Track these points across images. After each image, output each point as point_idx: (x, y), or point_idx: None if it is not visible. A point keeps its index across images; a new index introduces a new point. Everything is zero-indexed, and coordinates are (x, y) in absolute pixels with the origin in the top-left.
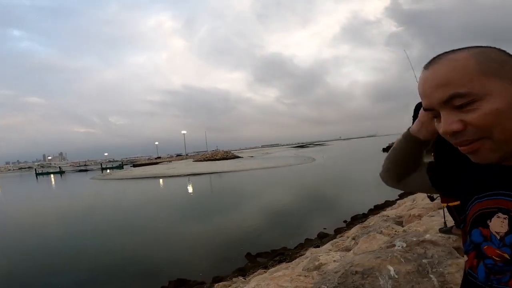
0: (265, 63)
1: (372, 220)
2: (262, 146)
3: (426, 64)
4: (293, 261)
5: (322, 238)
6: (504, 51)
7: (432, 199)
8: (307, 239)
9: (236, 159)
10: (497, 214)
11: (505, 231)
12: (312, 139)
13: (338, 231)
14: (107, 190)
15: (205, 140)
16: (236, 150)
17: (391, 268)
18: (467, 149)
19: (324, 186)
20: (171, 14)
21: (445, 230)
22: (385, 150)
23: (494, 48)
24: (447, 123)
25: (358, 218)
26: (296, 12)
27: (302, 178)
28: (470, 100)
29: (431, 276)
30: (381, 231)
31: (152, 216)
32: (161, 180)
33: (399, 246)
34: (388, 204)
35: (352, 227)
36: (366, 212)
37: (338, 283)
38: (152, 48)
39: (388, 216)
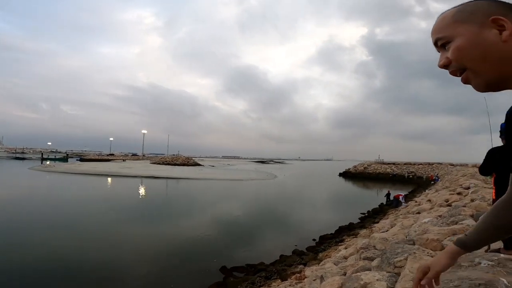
0: (238, 73)
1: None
2: (223, 157)
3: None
4: (288, 279)
5: (301, 256)
6: (489, 1)
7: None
8: (282, 255)
9: (198, 166)
10: None
11: None
12: (273, 156)
13: (311, 249)
14: (49, 183)
15: (167, 143)
16: (197, 157)
17: (504, 280)
18: (462, 79)
19: (287, 204)
20: (155, 10)
21: (493, 250)
22: (341, 175)
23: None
24: (439, 59)
25: (328, 238)
26: (278, 29)
27: (266, 194)
28: (446, 42)
29: None
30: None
31: (104, 219)
32: (114, 179)
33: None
34: (353, 226)
35: (325, 246)
36: (333, 232)
37: None
38: (125, 41)
39: (386, 239)
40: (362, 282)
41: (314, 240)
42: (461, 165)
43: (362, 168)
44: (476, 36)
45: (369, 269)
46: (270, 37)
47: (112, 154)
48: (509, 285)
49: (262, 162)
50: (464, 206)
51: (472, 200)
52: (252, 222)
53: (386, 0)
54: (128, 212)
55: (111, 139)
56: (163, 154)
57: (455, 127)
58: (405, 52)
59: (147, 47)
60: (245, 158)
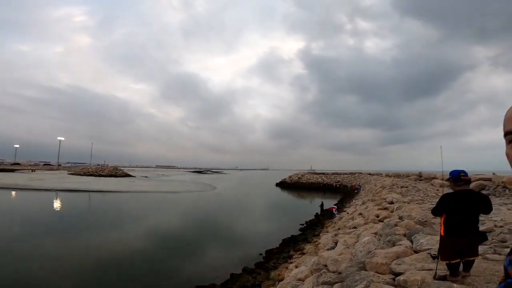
0: (177, 80)
1: (323, 260)
2: (157, 167)
3: None
4: None
5: (252, 274)
6: None
7: (434, 257)
8: (233, 274)
9: (128, 177)
10: None
11: None
12: (210, 166)
13: (261, 266)
14: None
15: (90, 152)
16: (126, 167)
17: None
18: None
19: (228, 216)
20: (87, 9)
21: (440, 277)
22: (278, 185)
23: None
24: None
25: (275, 253)
26: (223, 38)
27: (206, 206)
28: None
29: None
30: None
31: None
32: (21, 194)
33: None
34: (296, 239)
35: (273, 262)
36: (278, 246)
37: None
38: (47, 39)
39: (337, 260)
40: None
41: (261, 255)
42: (377, 174)
43: (297, 178)
44: None
45: None
46: (214, 45)
47: (18, 163)
48: None
49: (199, 172)
50: (396, 225)
51: (400, 218)
52: (195, 237)
53: (324, 15)
54: (40, 232)
55: (17, 145)
56: (86, 164)
57: (372, 139)
58: (335, 67)
59: (73, 46)
60: (181, 168)
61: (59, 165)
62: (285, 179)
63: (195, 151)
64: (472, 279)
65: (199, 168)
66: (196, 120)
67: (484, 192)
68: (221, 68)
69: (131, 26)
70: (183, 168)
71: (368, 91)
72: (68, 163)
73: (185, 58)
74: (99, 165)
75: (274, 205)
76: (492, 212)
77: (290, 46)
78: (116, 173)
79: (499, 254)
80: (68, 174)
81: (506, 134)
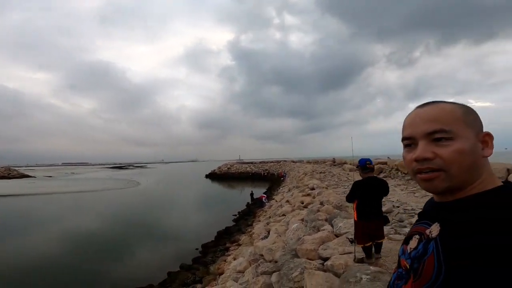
0: (89, 69)
1: (259, 250)
2: (63, 164)
3: (421, 105)
4: None
5: (191, 270)
6: (471, 109)
7: (351, 241)
8: (170, 272)
9: (27, 178)
10: (415, 236)
11: (413, 247)
12: (131, 160)
13: (199, 261)
14: None
15: None
16: (23, 167)
17: None
18: (426, 176)
19: (157, 213)
20: None
21: (359, 260)
22: (207, 176)
23: (464, 106)
24: (423, 150)
25: (211, 246)
26: (147, 25)
27: (131, 204)
28: (448, 137)
29: None
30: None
31: None
32: None
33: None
34: (230, 231)
35: (213, 255)
36: (213, 239)
37: None
38: None
39: (271, 249)
40: None
41: (197, 249)
42: (299, 161)
43: (226, 168)
44: (474, 144)
45: (271, 285)
46: (137, 33)
47: None
48: None
49: (119, 167)
50: (318, 211)
51: (321, 203)
52: (123, 238)
53: (254, 8)
54: None
55: None
56: None
57: (294, 128)
58: (262, 60)
59: None
60: (95, 165)
61: None
62: (214, 170)
63: (113, 145)
64: (383, 260)
65: (119, 164)
66: (113, 112)
67: (381, 175)
68: (144, 57)
69: (30, 10)
70: (99, 165)
71: (291, 83)
72: None
73: (99, 46)
74: None
75: (205, 198)
76: (389, 193)
77: (219, 37)
78: (8, 174)
79: (399, 234)
80: None
81: (403, 139)
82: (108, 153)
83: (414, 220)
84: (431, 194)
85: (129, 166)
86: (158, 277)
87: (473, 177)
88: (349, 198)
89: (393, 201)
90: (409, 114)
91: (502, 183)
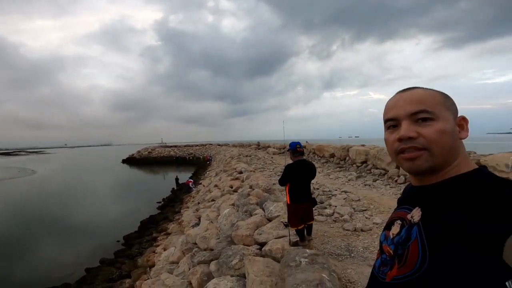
0: None
1: (191, 239)
2: None
3: (402, 90)
4: None
5: (115, 265)
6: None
7: (286, 225)
8: (89, 269)
9: None
10: (397, 221)
11: (396, 233)
12: (26, 145)
13: (123, 254)
14: None
15: None
16: None
17: (324, 276)
18: (409, 155)
19: (62, 205)
20: None
21: (294, 243)
22: (124, 161)
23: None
24: (407, 130)
25: (135, 237)
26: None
27: (24, 196)
28: (430, 117)
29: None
30: (242, 253)
31: None
32: None
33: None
34: (156, 219)
35: (139, 247)
36: (137, 230)
37: None
38: None
39: (205, 237)
40: None
41: (118, 241)
42: (225, 144)
43: (147, 152)
44: (453, 126)
45: (210, 274)
46: (39, 7)
47: None
48: (328, 278)
49: (9, 154)
50: (249, 195)
51: (251, 187)
52: (23, 236)
53: None
54: None
55: None
56: None
57: (220, 111)
58: (191, 42)
59: None
60: None
61: None
62: (133, 154)
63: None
64: (313, 241)
65: (9, 149)
66: (1, 91)
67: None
68: (45, 32)
69: None
70: None
71: (219, 67)
72: None
73: None
74: None
75: (124, 185)
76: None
77: (146, 15)
78: None
79: (322, 215)
80: None
81: (386, 121)
82: None
83: (333, 201)
84: (409, 175)
85: (20, 151)
86: (74, 276)
87: (452, 158)
88: (282, 182)
89: (313, 183)
90: (391, 98)
91: (477, 167)
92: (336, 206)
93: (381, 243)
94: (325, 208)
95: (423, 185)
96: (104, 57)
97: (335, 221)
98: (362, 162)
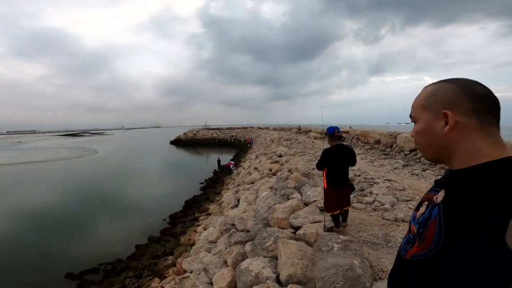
0: (36, 36)
1: (230, 220)
2: (8, 133)
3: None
4: (166, 276)
5: (160, 242)
6: (456, 85)
7: (321, 210)
8: (138, 245)
9: None
10: (425, 202)
11: (421, 213)
12: (88, 127)
13: (168, 233)
14: None
15: None
16: None
17: (356, 262)
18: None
19: (119, 183)
20: None
21: (328, 229)
22: (172, 142)
23: (453, 83)
24: (411, 131)
25: (179, 217)
26: None
27: (89, 174)
28: (414, 121)
29: None
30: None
31: None
32: None
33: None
34: (198, 200)
35: (185, 226)
36: (181, 209)
37: None
38: None
39: (243, 218)
40: (253, 274)
41: (165, 220)
42: (266, 128)
43: (192, 135)
44: (429, 125)
45: (245, 254)
46: None
47: None
48: (359, 265)
49: (73, 135)
50: (287, 179)
51: (289, 171)
52: (84, 213)
53: None
54: None
55: None
56: None
57: (261, 95)
58: (232, 28)
59: None
60: (46, 132)
61: None
62: (180, 136)
63: (67, 112)
64: (348, 228)
65: (73, 131)
66: (65, 78)
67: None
68: (101, 24)
69: None
70: (48, 132)
71: (260, 52)
72: None
73: (45, 12)
74: None
75: (171, 165)
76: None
77: (188, 3)
78: None
79: (361, 202)
80: None
81: (410, 117)
82: (60, 120)
83: (374, 189)
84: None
85: (84, 133)
86: (125, 251)
87: (443, 153)
88: (319, 166)
89: (354, 170)
90: None
91: (509, 156)
92: (377, 195)
93: (410, 223)
94: (365, 195)
95: (452, 169)
96: (153, 44)
97: (375, 209)
98: (411, 150)
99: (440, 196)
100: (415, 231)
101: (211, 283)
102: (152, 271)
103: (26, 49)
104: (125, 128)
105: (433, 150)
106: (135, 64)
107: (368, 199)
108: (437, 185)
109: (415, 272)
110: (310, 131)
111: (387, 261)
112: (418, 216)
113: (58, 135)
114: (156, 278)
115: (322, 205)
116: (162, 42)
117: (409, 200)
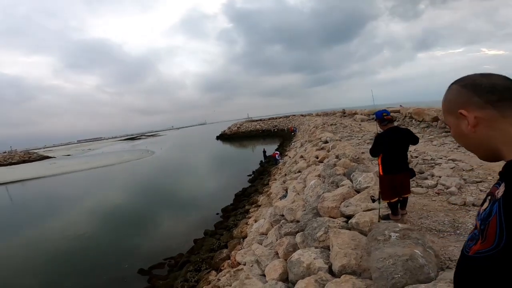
0: (83, 48)
1: (279, 211)
2: (79, 141)
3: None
4: (222, 269)
5: (215, 236)
6: (458, 85)
7: (374, 200)
8: (196, 240)
9: (47, 160)
10: (488, 197)
11: (484, 208)
12: (143, 130)
13: (221, 226)
14: None
15: None
16: (41, 149)
17: (418, 252)
18: None
19: (174, 180)
20: None
21: (384, 217)
22: (218, 138)
23: (457, 83)
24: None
25: (230, 210)
26: None
27: (148, 174)
28: (449, 126)
29: None
30: (328, 226)
31: None
32: None
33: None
34: (248, 192)
35: (237, 220)
36: (232, 202)
37: None
38: None
39: (292, 209)
40: (304, 265)
41: (218, 214)
42: (308, 114)
43: (236, 128)
44: (457, 128)
45: (296, 245)
46: (126, 6)
47: None
48: (422, 254)
49: (132, 138)
50: (335, 165)
51: (337, 157)
52: (146, 210)
53: None
54: None
55: None
56: None
57: (299, 82)
58: (260, 19)
59: None
60: (109, 138)
61: None
62: (224, 131)
63: (123, 117)
64: (408, 215)
65: (131, 134)
66: (116, 85)
67: (395, 123)
68: (138, 29)
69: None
70: (112, 138)
71: (292, 39)
72: None
73: (88, 23)
74: (5, 152)
75: (219, 160)
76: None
77: (213, 0)
78: (29, 157)
79: (421, 186)
80: None
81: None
82: (119, 125)
83: (436, 171)
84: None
85: (141, 136)
86: (185, 246)
87: (487, 149)
88: (374, 152)
89: (410, 151)
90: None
91: None
92: (440, 177)
93: (476, 218)
94: (426, 178)
95: (507, 161)
96: (187, 44)
97: (438, 193)
98: None
99: (501, 191)
100: (479, 227)
101: (264, 275)
102: (209, 265)
103: (77, 61)
104: (175, 128)
105: (478, 149)
106: (176, 64)
107: (429, 182)
108: (500, 178)
109: (477, 270)
110: (355, 113)
111: (456, 250)
112: (481, 212)
113: (120, 140)
114: (213, 271)
115: (375, 194)
116: (195, 41)
117: (480, 182)
